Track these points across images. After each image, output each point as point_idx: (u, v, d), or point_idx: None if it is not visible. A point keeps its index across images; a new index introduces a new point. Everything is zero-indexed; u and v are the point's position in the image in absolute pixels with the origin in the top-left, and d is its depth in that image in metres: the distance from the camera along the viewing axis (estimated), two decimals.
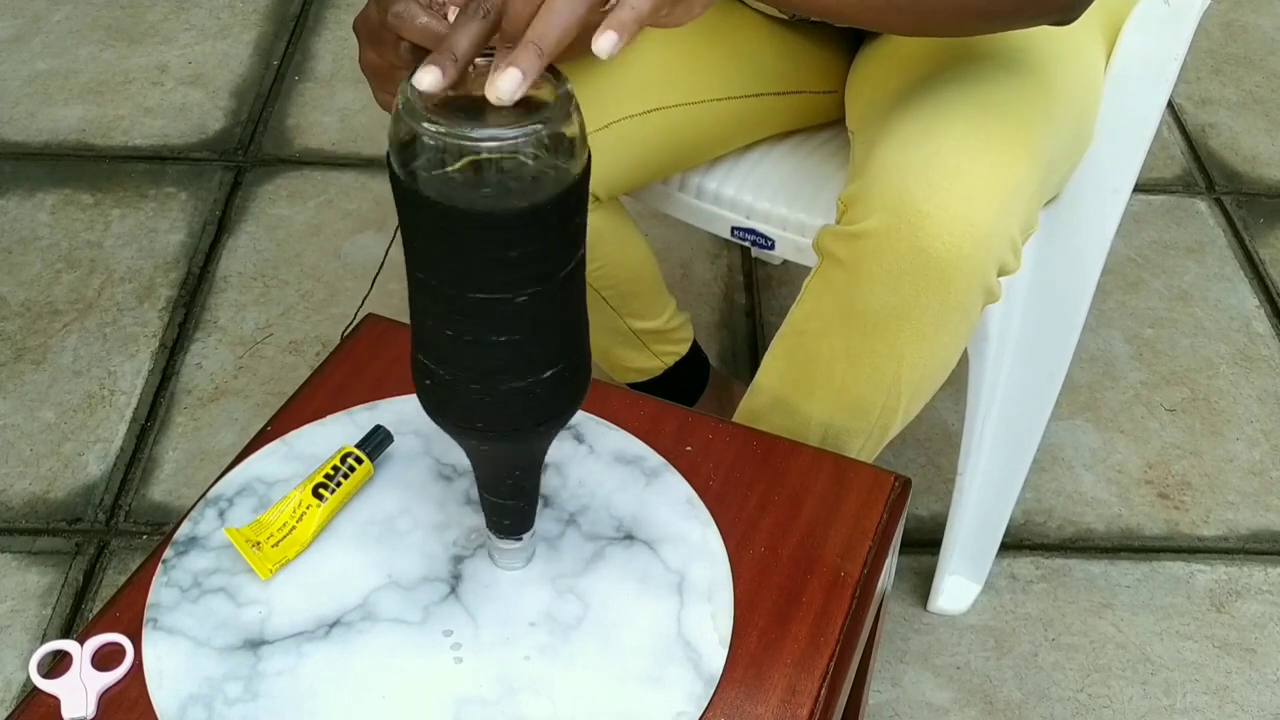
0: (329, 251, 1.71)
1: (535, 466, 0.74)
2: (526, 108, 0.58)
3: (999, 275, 0.88)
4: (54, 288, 1.65)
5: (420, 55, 0.65)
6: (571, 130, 0.59)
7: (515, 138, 0.57)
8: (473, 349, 0.64)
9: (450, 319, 0.63)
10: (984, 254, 0.84)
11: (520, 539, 0.77)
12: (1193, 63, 2.11)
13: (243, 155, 1.88)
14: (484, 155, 0.57)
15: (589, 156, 0.61)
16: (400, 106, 0.58)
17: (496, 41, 0.61)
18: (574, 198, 0.61)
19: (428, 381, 0.67)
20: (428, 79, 0.58)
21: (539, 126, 0.57)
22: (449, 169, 0.58)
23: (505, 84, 0.57)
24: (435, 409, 0.69)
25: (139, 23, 2.14)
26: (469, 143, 0.57)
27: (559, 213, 0.60)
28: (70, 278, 1.66)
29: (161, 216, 1.76)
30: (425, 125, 0.57)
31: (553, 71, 0.60)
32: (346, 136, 1.92)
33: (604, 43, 0.60)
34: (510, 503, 0.75)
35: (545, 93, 0.59)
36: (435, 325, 0.64)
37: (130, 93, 1.98)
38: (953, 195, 0.83)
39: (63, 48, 2.07)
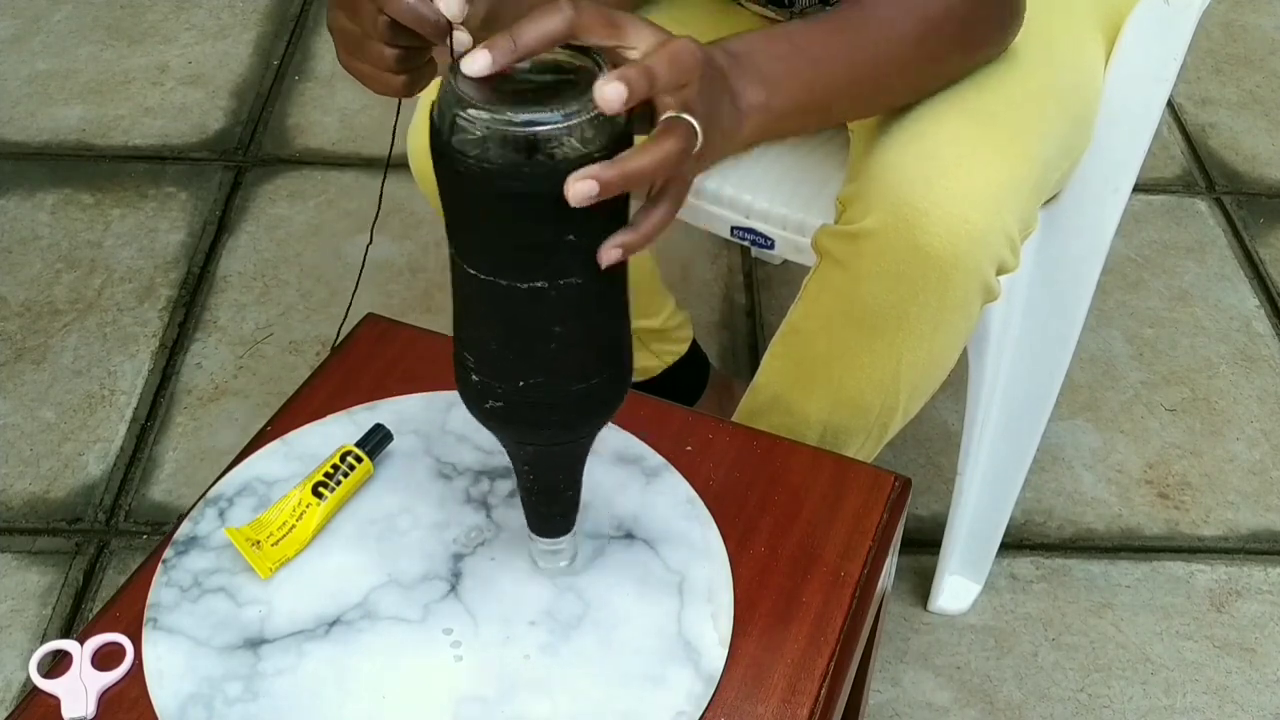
0: (329, 251, 1.71)
1: (585, 456, 0.74)
2: (558, 71, 0.60)
3: (998, 274, 0.88)
4: (54, 288, 1.65)
5: (397, 31, 0.65)
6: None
7: (574, 118, 0.58)
8: (550, 350, 0.64)
9: (525, 318, 0.63)
10: (981, 252, 0.84)
11: (569, 534, 0.77)
12: (1193, 63, 2.11)
13: (243, 155, 1.88)
14: (549, 137, 0.58)
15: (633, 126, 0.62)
16: (443, 96, 0.59)
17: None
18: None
19: (490, 400, 0.67)
20: (480, 64, 0.58)
21: (584, 112, 0.58)
22: (521, 160, 0.58)
23: (614, 94, 0.58)
24: (500, 424, 0.69)
25: (139, 23, 2.14)
26: (531, 129, 0.57)
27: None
28: (70, 278, 1.66)
29: (161, 216, 1.76)
30: (475, 113, 0.57)
31: (582, 49, 0.61)
32: (346, 136, 1.92)
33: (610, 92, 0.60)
34: (562, 497, 0.75)
35: (567, 57, 0.61)
36: (500, 338, 0.64)
37: (130, 93, 1.98)
38: (950, 194, 0.83)
39: (63, 48, 2.07)
